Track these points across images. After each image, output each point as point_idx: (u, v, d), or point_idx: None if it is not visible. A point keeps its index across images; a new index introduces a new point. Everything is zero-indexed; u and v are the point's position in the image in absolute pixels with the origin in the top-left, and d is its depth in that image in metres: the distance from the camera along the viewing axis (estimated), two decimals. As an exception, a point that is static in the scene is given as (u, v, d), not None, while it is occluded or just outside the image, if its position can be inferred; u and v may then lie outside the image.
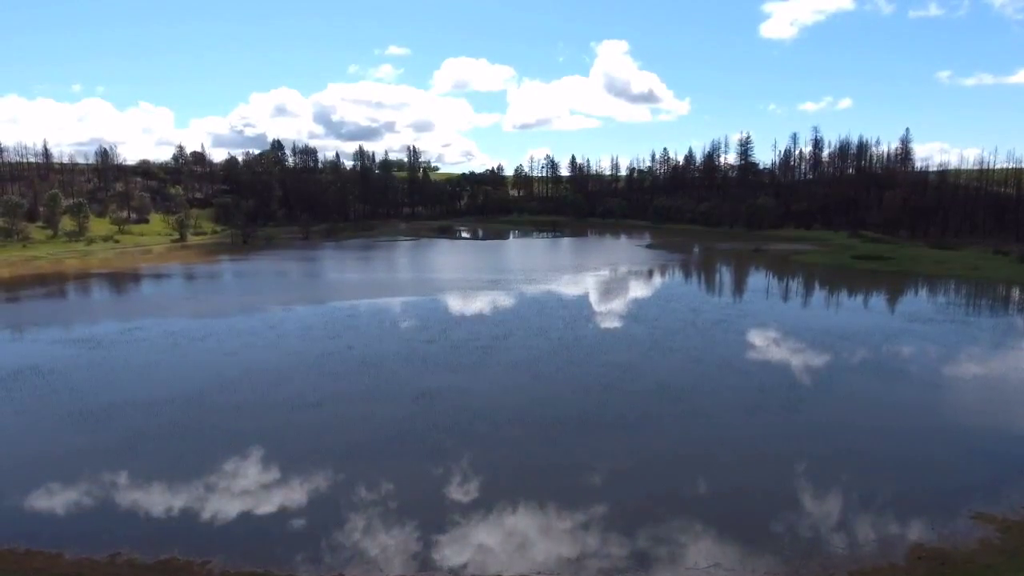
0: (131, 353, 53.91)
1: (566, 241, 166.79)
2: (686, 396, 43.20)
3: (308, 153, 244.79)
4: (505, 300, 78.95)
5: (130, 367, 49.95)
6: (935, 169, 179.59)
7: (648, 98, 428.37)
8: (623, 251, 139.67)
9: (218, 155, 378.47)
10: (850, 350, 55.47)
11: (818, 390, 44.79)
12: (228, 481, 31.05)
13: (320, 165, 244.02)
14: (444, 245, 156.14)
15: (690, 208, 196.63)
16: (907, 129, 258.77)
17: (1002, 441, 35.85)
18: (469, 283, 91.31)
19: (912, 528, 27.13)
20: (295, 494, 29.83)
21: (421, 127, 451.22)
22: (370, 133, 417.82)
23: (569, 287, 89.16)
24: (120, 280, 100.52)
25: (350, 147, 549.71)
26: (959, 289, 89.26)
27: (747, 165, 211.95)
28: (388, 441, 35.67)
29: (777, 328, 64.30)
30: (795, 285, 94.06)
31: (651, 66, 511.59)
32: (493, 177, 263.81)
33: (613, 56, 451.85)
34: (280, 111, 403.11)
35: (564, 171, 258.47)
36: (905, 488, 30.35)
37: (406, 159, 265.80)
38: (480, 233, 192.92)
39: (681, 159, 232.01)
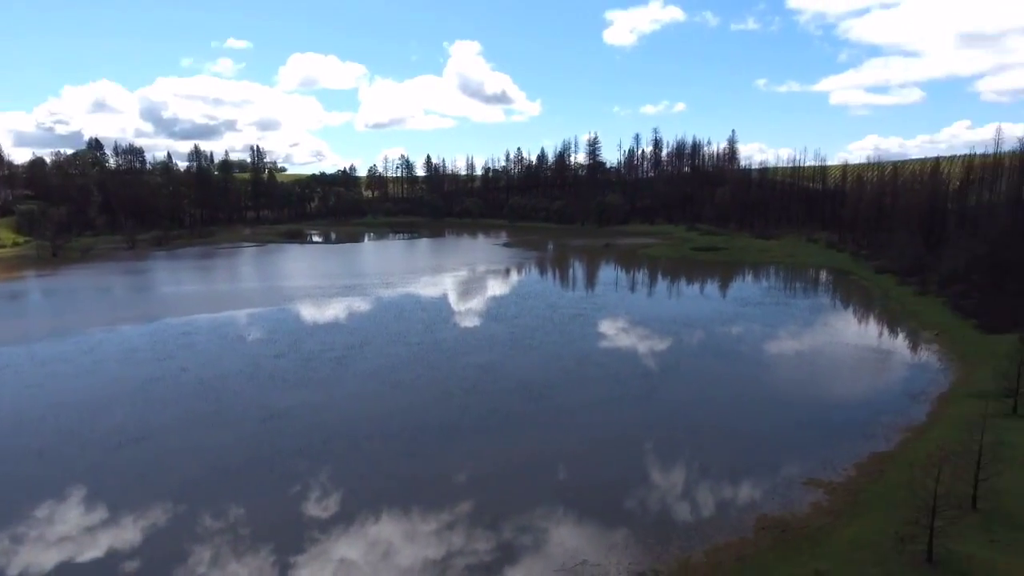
0: (-103, 395, 44.46)
1: (424, 242, 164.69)
2: (547, 393, 43.51)
3: (133, 153, 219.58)
4: (361, 306, 75.68)
5: None
6: (757, 167, 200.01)
7: (501, 99, 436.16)
8: (481, 250, 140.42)
9: (20, 155, 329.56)
10: (692, 335, 59.32)
11: (667, 375, 47.16)
12: (28, 547, 26.14)
13: (149, 166, 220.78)
14: (294, 250, 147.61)
15: (544, 206, 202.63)
16: (733, 131, 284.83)
17: (822, 409, 39.72)
18: (322, 290, 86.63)
19: (756, 500, 28.96)
20: (118, 548, 25.75)
21: (266, 125, 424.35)
22: (208, 132, 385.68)
23: (428, 289, 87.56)
24: None
25: (184, 147, 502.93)
26: (779, 274, 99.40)
27: (595, 164, 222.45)
28: (230, 473, 32.12)
29: (628, 319, 67.29)
30: (643, 277, 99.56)
31: (503, 67, 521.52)
32: (345, 178, 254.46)
33: (466, 56, 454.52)
34: (99, 106, 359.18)
35: (420, 171, 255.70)
36: (747, 462, 32.45)
37: (249, 160, 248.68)
38: (333, 236, 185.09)
39: (534, 159, 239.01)
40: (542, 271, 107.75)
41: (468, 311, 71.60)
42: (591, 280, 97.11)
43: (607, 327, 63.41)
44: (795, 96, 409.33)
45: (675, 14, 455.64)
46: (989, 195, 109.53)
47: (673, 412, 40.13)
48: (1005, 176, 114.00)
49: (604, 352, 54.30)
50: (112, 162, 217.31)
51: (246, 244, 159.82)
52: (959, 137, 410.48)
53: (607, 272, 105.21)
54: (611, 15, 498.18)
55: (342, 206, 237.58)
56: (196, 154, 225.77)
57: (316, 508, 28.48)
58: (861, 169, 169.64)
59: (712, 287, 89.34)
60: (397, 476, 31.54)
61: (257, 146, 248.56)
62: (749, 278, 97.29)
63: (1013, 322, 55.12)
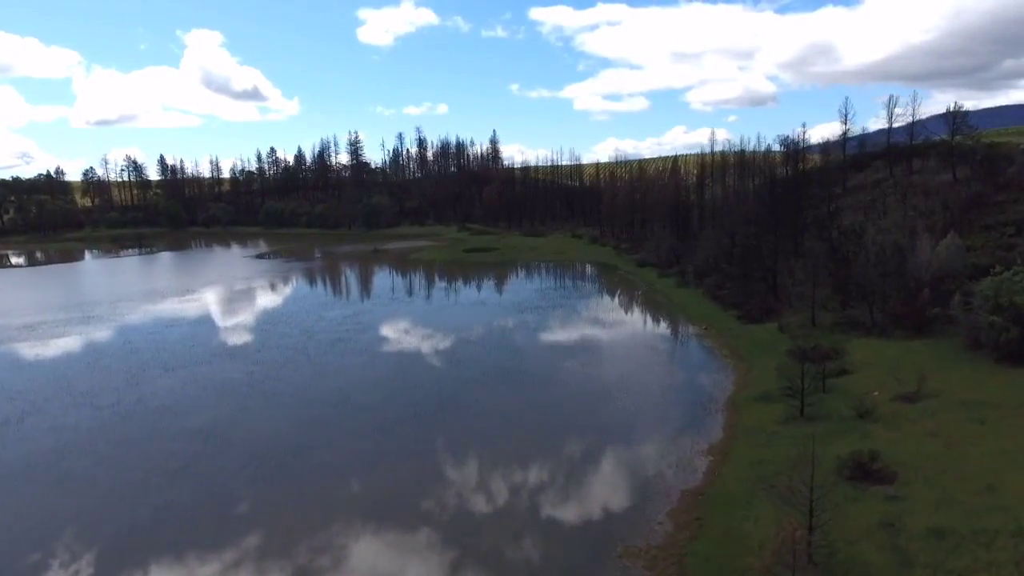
0: None
1: (164, 257, 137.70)
2: (288, 461, 32.72)
3: None
4: (41, 353, 56.23)
5: None
6: (519, 167, 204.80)
7: (254, 95, 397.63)
8: (231, 264, 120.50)
9: None
10: (469, 356, 52.36)
11: (443, 414, 39.14)
12: None
13: None
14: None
15: (305, 211, 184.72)
16: (494, 131, 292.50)
17: (619, 436, 34.84)
18: (-14, 334, 63.79)
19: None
20: None
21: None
22: None
23: (146, 321, 69.38)
24: None
25: None
26: (551, 272, 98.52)
27: (359, 164, 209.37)
28: None
29: (397, 340, 58.45)
30: (415, 285, 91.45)
31: (253, 62, 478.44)
32: (51, 183, 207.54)
33: (206, 48, 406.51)
34: None
35: (153, 174, 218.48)
36: (545, 531, 25.62)
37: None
38: (40, 256, 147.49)
39: (291, 159, 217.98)
40: (300, 287, 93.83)
41: (195, 348, 56.27)
42: (357, 294, 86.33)
43: (371, 353, 53.69)
44: (545, 101, 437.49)
45: (428, 17, 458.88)
46: (721, 189, 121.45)
47: (446, 464, 32.18)
48: (732, 173, 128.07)
49: (368, 387, 44.63)
50: None
51: None
52: (678, 140, 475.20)
53: (374, 282, 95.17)
54: (364, 14, 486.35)
55: (49, 218, 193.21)
56: None
57: None
58: (611, 167, 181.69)
59: (487, 292, 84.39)
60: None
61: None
62: (523, 278, 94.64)
63: (767, 311, 57.45)
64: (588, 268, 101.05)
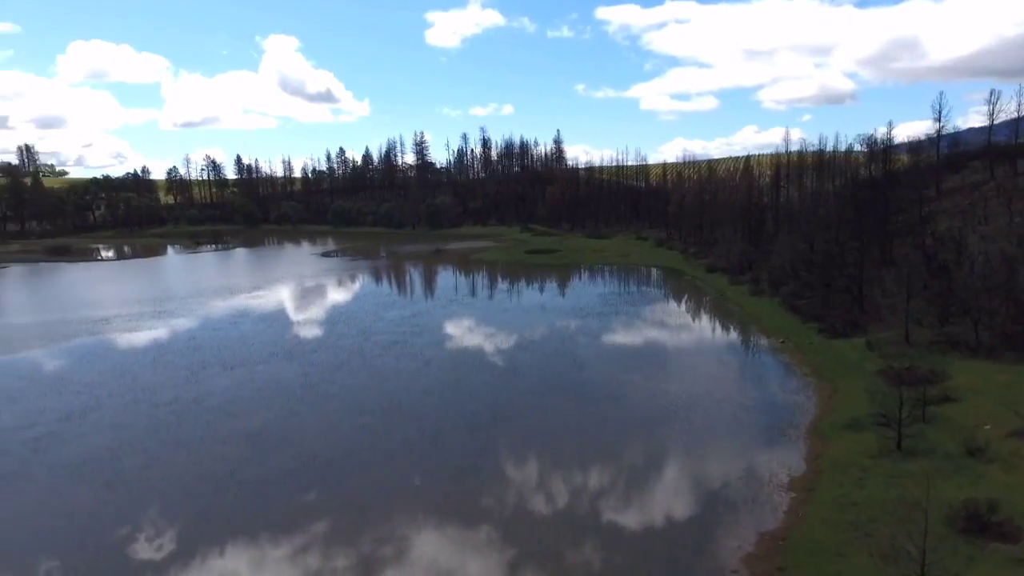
0: None
1: (237, 254, 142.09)
2: (333, 474, 31.43)
3: None
4: (108, 349, 57.71)
5: None
6: (583, 167, 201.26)
7: (327, 98, 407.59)
8: (299, 262, 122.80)
9: None
10: (528, 363, 50.08)
11: (498, 426, 37.06)
12: None
13: None
14: (66, 271, 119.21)
15: (371, 210, 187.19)
16: (558, 131, 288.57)
17: (689, 462, 31.83)
18: (61, 327, 66.33)
19: None
20: None
21: (47, 123, 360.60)
22: None
23: (214, 317, 70.63)
24: None
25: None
26: (615, 276, 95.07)
27: (424, 164, 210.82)
28: None
29: (453, 344, 56.91)
30: (474, 287, 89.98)
31: (326, 65, 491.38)
32: (137, 182, 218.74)
33: (283, 52, 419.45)
34: None
35: (230, 173, 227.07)
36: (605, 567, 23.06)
37: (18, 161, 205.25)
38: (127, 251, 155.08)
39: (359, 159, 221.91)
40: (361, 286, 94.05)
41: (254, 347, 56.35)
42: (416, 295, 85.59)
43: (426, 358, 52.13)
44: (611, 101, 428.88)
45: (494, 18, 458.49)
46: (797, 191, 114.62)
47: (496, 485, 30.04)
48: (810, 174, 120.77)
49: (420, 395, 43.01)
50: None
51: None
52: (749, 140, 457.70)
53: (434, 283, 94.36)
54: (432, 16, 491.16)
55: (135, 215, 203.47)
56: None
57: None
58: (679, 168, 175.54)
59: (548, 295, 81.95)
60: None
61: (25, 145, 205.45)
62: (585, 282, 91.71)
63: (852, 325, 52.61)
64: (653, 272, 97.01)
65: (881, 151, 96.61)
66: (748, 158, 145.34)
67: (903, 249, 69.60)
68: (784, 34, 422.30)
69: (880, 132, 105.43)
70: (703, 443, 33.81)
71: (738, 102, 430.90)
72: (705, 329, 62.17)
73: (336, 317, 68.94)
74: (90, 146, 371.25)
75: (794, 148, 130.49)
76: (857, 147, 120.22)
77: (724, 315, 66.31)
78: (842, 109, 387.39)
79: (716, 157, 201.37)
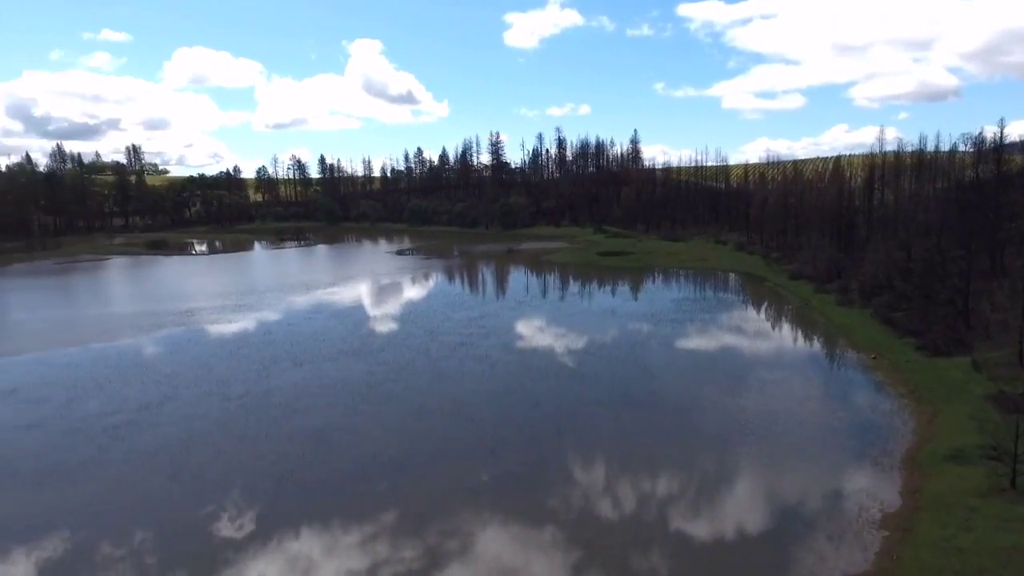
0: None
1: (318, 250, 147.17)
2: (390, 475, 30.96)
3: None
4: (190, 340, 60.16)
5: None
6: (660, 168, 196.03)
7: (408, 99, 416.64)
8: (374, 260, 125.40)
9: None
10: (596, 372, 48.23)
11: (562, 438, 35.63)
12: None
13: (5, 168, 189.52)
14: (162, 264, 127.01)
15: (446, 209, 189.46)
16: (635, 131, 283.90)
17: (768, 490, 29.35)
18: (150, 318, 69.99)
19: None
20: None
21: (154, 125, 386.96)
22: (88, 131, 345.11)
23: (285, 314, 72.66)
24: None
25: (65, 147, 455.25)
26: (692, 280, 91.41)
27: (499, 164, 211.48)
28: None
29: (519, 348, 55.79)
30: (544, 290, 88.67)
31: (407, 67, 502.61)
32: (229, 180, 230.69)
33: (368, 56, 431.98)
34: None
35: (314, 172, 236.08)
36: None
37: (125, 161, 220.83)
38: (218, 245, 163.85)
39: (436, 159, 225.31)
40: (432, 285, 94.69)
41: (325, 343, 57.27)
42: (486, 295, 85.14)
43: (492, 361, 51.23)
44: (691, 100, 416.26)
45: (573, 18, 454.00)
46: (893, 194, 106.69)
47: (556, 504, 28.60)
48: (908, 175, 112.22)
49: (481, 403, 42.08)
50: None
51: (89, 258, 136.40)
52: (839, 140, 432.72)
53: (504, 284, 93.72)
54: (510, 17, 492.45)
55: (226, 211, 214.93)
56: (59, 154, 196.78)
57: None
58: (762, 168, 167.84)
59: (620, 299, 79.57)
60: None
61: (133, 146, 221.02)
62: (659, 286, 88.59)
63: (955, 342, 47.77)
64: (732, 278, 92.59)
65: (991, 151, 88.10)
66: (838, 158, 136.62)
67: (1016, 259, 63.10)
68: (879, 28, 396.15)
69: (990, 131, 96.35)
70: (782, 468, 31.12)
71: (827, 100, 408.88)
72: (787, 340, 58.30)
73: (405, 316, 69.40)
74: (191, 146, 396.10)
75: (889, 148, 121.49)
76: (962, 147, 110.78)
77: (808, 326, 62.08)
78: (943, 106, 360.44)
79: (802, 157, 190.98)
